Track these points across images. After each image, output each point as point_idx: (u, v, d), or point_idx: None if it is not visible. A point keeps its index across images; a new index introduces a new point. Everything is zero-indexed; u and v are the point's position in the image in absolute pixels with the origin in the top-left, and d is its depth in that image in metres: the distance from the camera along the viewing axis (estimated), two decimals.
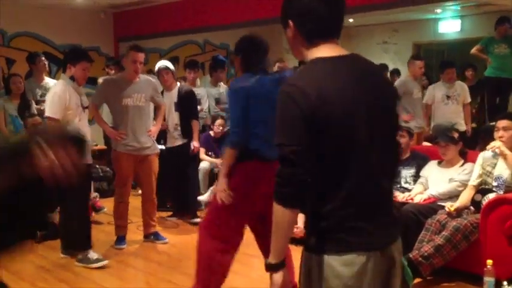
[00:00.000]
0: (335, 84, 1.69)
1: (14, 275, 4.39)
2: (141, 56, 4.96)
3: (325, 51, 1.79)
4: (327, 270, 1.71)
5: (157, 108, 5.37)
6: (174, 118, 5.83)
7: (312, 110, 1.63)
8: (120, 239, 5.13)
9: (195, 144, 5.92)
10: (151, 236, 5.27)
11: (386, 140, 1.79)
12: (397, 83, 6.99)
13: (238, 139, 3.31)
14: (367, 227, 1.72)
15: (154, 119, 5.42)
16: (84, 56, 4.77)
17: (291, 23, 1.82)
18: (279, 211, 1.71)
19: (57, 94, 4.52)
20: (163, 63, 6.09)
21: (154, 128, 5.17)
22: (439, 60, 7.04)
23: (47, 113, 4.55)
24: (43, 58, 6.54)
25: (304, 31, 1.80)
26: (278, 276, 1.79)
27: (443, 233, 3.96)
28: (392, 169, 1.90)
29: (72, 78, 4.61)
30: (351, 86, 1.71)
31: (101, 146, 8.20)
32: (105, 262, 4.58)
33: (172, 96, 5.86)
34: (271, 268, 1.79)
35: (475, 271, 3.95)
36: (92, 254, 4.63)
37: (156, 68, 6.03)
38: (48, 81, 6.51)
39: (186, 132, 5.82)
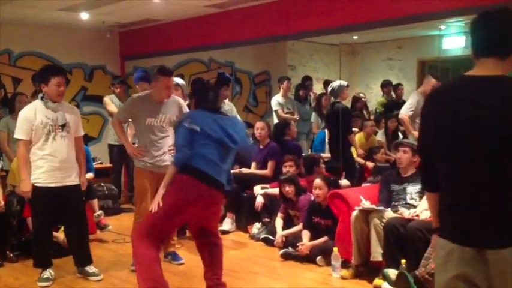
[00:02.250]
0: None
1: None
2: (172, 80, 4.98)
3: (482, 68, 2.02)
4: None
5: None
6: None
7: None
8: (174, 255, 5.25)
9: None
10: (169, 256, 5.21)
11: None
12: (409, 100, 6.91)
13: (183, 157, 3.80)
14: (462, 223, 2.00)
15: None
16: (53, 71, 4.68)
17: None
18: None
19: (22, 115, 4.58)
20: (177, 80, 6.12)
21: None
22: (444, 77, 7.03)
23: (15, 136, 4.62)
24: None
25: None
26: (434, 238, 2.25)
27: None
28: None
29: (44, 97, 4.59)
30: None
31: (106, 164, 8.23)
32: (49, 283, 4.58)
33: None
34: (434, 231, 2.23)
35: None
36: (45, 273, 4.63)
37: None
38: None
39: None
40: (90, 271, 4.77)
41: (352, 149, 7.54)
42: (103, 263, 5.28)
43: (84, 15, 7.73)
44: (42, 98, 4.60)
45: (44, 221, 4.68)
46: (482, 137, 1.90)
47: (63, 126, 4.61)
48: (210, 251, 4.05)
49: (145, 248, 3.65)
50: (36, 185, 4.57)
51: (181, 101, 5.24)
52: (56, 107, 4.60)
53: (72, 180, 4.67)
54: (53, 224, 4.83)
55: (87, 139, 8.69)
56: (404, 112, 6.76)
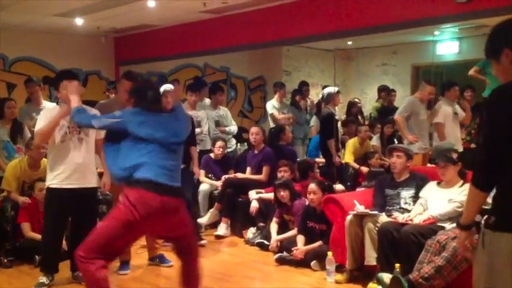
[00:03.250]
0: None
1: None
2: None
3: None
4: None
5: None
6: None
7: None
8: (124, 264, 5.03)
9: (195, 169, 5.92)
10: (156, 259, 5.21)
11: None
12: (404, 102, 6.94)
13: None
14: None
15: None
16: (65, 75, 4.57)
17: (507, 50, 2.21)
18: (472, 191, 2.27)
19: (43, 113, 4.63)
20: (169, 86, 6.11)
21: None
22: (438, 82, 7.07)
23: (36, 128, 4.57)
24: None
25: None
26: (464, 235, 2.42)
27: (444, 253, 3.94)
28: None
29: (59, 101, 4.63)
30: None
31: (100, 169, 8.20)
32: None
33: None
34: (464, 227, 2.41)
35: None
36: (42, 278, 4.59)
37: (162, 90, 5.99)
38: (46, 104, 6.53)
39: (184, 157, 5.79)
40: None
41: (346, 155, 7.57)
42: None
43: (79, 21, 7.75)
44: (57, 103, 4.62)
45: (56, 224, 4.59)
46: None
47: (80, 127, 4.57)
48: (185, 270, 3.64)
49: (96, 268, 3.26)
50: (51, 186, 4.52)
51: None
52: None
53: (89, 182, 4.60)
54: (63, 227, 4.69)
55: None
56: (399, 114, 6.76)
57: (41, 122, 4.48)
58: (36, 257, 5.07)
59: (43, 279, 4.58)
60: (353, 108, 9.29)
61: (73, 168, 4.49)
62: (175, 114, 3.72)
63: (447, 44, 10.43)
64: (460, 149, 6.43)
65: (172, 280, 4.73)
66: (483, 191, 2.25)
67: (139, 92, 3.68)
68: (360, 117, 9.38)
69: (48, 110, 4.63)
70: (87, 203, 4.63)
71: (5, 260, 5.20)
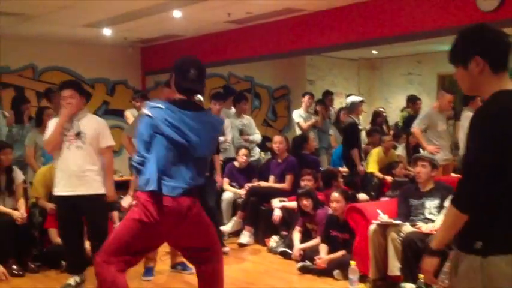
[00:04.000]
0: None
1: None
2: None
3: (507, 83, 2.04)
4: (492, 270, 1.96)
5: None
6: None
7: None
8: (148, 270, 5.10)
9: (218, 178, 5.96)
10: (178, 266, 5.25)
11: None
12: (421, 115, 6.91)
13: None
14: None
15: None
16: (61, 85, 4.77)
17: (478, 58, 2.02)
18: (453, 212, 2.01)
19: (48, 127, 4.71)
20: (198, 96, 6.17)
21: None
22: (453, 94, 6.95)
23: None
24: None
25: (494, 63, 2.03)
26: (434, 262, 2.22)
27: None
28: None
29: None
30: None
31: (126, 177, 8.32)
32: None
33: None
34: (432, 253, 2.22)
35: None
36: (70, 279, 4.72)
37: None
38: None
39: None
40: None
41: (370, 164, 7.54)
42: None
43: (107, 31, 7.90)
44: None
45: (65, 229, 4.77)
46: None
47: (77, 135, 4.59)
48: (207, 278, 3.45)
49: (113, 275, 3.16)
50: (54, 194, 4.71)
51: None
52: (72, 117, 4.62)
53: (88, 190, 4.60)
54: (76, 231, 4.78)
55: None
56: (417, 126, 6.70)
57: (47, 132, 4.63)
58: (63, 262, 5.16)
59: (70, 280, 4.70)
60: (378, 118, 9.25)
61: (70, 174, 4.56)
62: (205, 115, 3.37)
63: None
64: None
65: (194, 287, 4.78)
66: (464, 211, 1.99)
67: (182, 66, 3.31)
68: (384, 127, 9.34)
69: (54, 120, 4.72)
70: (90, 209, 4.64)
71: (32, 266, 5.30)
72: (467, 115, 6.83)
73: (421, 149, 7.79)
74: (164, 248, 5.40)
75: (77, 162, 4.57)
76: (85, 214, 4.69)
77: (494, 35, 2.06)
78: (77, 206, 4.61)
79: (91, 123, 4.71)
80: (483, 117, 1.98)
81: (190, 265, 5.09)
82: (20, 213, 5.22)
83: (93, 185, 4.65)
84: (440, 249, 2.17)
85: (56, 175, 4.66)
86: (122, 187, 7.66)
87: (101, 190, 4.70)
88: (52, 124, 4.65)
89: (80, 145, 4.59)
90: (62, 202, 4.67)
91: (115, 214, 6.37)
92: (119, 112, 8.85)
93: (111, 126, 9.11)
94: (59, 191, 4.63)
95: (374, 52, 10.83)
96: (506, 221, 1.97)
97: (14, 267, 5.18)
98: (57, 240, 5.39)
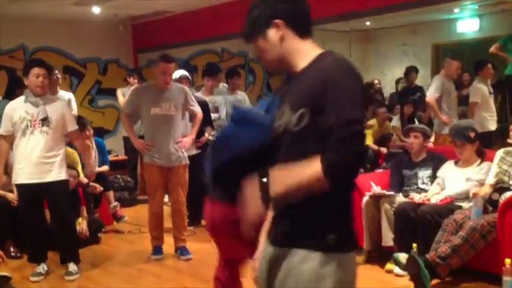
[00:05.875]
0: None
1: (37, 284, 4.49)
2: (171, 67, 4.88)
3: (315, 47, 1.77)
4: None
5: (192, 117, 5.26)
6: (188, 128, 5.66)
7: None
8: (157, 249, 5.07)
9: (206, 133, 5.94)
10: (177, 250, 5.10)
11: None
12: (434, 83, 6.73)
13: None
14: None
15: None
16: (33, 63, 4.61)
17: (278, 22, 1.72)
18: (320, 182, 1.58)
19: (4, 111, 4.56)
20: (183, 72, 6.16)
21: (187, 139, 5.04)
22: (459, 60, 6.91)
23: None
24: (56, 72, 6.52)
25: (297, 26, 1.75)
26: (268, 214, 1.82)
27: (460, 233, 3.92)
28: None
29: (26, 92, 4.53)
30: None
31: (122, 156, 8.33)
32: (40, 278, 4.55)
33: None
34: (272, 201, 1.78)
35: (493, 271, 3.89)
36: (38, 268, 4.62)
37: (177, 76, 6.02)
38: (62, 94, 6.59)
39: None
40: (69, 269, 4.63)
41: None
42: (119, 253, 5.39)
43: (96, 9, 7.81)
44: (25, 93, 4.55)
45: (28, 218, 4.62)
46: None
47: (43, 120, 4.43)
48: None
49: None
50: (16, 182, 4.54)
51: (186, 88, 5.21)
52: (37, 101, 4.45)
53: (54, 176, 4.48)
54: (39, 219, 4.66)
55: (103, 132, 8.83)
56: (431, 95, 6.59)
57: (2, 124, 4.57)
58: None
59: (39, 268, 4.62)
60: (369, 90, 9.20)
61: (35, 161, 4.41)
62: None
63: (467, 22, 10.24)
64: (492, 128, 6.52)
65: (186, 263, 4.81)
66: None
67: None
68: (379, 99, 9.29)
69: (3, 112, 4.59)
70: (56, 195, 4.53)
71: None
72: (476, 86, 6.80)
73: (415, 120, 7.79)
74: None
75: (44, 148, 4.43)
76: (51, 200, 4.59)
77: None
78: (43, 193, 4.51)
79: (56, 106, 4.56)
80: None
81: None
82: (14, 195, 5.18)
83: (61, 170, 4.54)
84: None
85: (17, 162, 4.47)
86: (117, 166, 7.72)
87: (65, 176, 4.61)
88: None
89: (45, 130, 4.44)
90: (27, 190, 4.49)
91: (110, 194, 6.41)
92: (112, 91, 8.81)
93: (105, 106, 9.23)
94: (25, 179, 4.46)
95: (368, 23, 10.72)
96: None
97: (12, 249, 5.19)
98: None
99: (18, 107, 4.49)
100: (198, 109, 5.18)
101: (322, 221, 1.68)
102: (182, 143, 4.97)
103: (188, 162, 5.07)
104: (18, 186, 4.58)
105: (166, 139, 4.85)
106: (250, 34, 1.79)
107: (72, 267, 4.64)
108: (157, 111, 4.82)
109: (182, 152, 4.97)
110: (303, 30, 1.76)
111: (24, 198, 4.59)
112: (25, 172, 4.45)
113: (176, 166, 4.94)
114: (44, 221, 4.74)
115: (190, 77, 6.55)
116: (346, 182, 1.67)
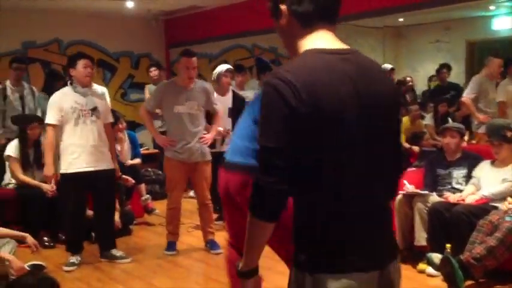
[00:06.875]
0: (326, 81, 1.47)
1: (70, 274, 4.58)
2: (194, 62, 4.87)
3: (320, 41, 1.57)
4: None
5: (213, 115, 5.25)
6: (226, 124, 5.68)
7: (301, 109, 1.42)
8: (170, 245, 5.11)
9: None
10: (207, 244, 5.13)
11: (382, 145, 1.56)
12: (472, 83, 6.59)
13: None
14: (363, 243, 1.53)
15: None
16: (80, 55, 4.73)
17: (283, 8, 1.60)
18: (255, 224, 1.50)
19: (51, 101, 4.65)
20: (228, 65, 6.08)
21: (209, 136, 5.06)
22: (501, 58, 6.72)
23: (46, 121, 4.68)
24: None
25: (299, 12, 1.57)
26: (248, 284, 1.65)
27: (496, 234, 3.86)
28: (388, 178, 1.62)
29: (73, 82, 4.63)
30: (343, 84, 1.49)
31: (153, 150, 8.40)
32: (73, 268, 4.63)
33: (227, 101, 5.80)
34: (242, 275, 1.63)
35: None
36: (71, 258, 4.71)
37: (224, 69, 5.87)
38: (96, 87, 6.65)
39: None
40: (118, 254, 4.83)
41: None
42: (150, 245, 5.44)
43: (130, 4, 7.89)
44: (71, 84, 4.65)
45: (76, 208, 4.70)
46: None
47: (93, 110, 4.60)
48: None
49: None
50: (68, 171, 4.60)
51: (209, 86, 5.16)
52: (85, 92, 4.60)
53: (105, 164, 4.67)
54: (84, 210, 4.82)
55: (135, 125, 8.92)
56: (467, 94, 6.48)
57: (48, 115, 4.61)
58: (92, 234, 5.25)
59: (73, 259, 4.72)
60: (402, 87, 9.09)
61: (89, 150, 4.55)
62: None
63: (503, 19, 10.04)
64: None
65: (216, 255, 4.83)
66: None
67: None
68: (407, 96, 9.15)
69: (50, 102, 4.67)
70: (105, 184, 4.67)
71: (63, 237, 5.39)
72: (502, 85, 6.62)
73: (449, 119, 7.66)
74: (194, 221, 5.51)
75: (96, 137, 4.60)
76: (99, 188, 4.68)
77: None
78: (93, 181, 4.60)
79: (101, 97, 4.78)
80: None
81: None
82: (49, 185, 5.27)
83: (109, 159, 4.74)
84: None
85: (70, 151, 4.56)
86: (148, 160, 7.78)
87: (114, 165, 4.81)
88: None
89: (94, 119, 4.61)
90: (79, 179, 4.57)
91: (142, 186, 6.46)
92: (143, 85, 8.89)
93: (136, 100, 9.32)
94: (78, 168, 4.55)
95: (401, 19, 10.59)
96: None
97: (45, 238, 5.30)
98: (89, 212, 5.49)
99: (67, 97, 4.58)
100: (218, 108, 5.21)
101: (296, 240, 1.57)
102: (204, 139, 4.99)
103: (211, 158, 5.08)
104: (70, 175, 4.60)
105: (190, 136, 4.88)
106: (272, 12, 1.68)
107: (118, 252, 4.81)
108: (180, 109, 4.85)
109: (205, 149, 5.00)
110: (305, 17, 1.58)
111: (74, 188, 4.63)
112: (81, 161, 4.56)
113: (200, 162, 4.98)
114: (86, 211, 4.88)
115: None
116: (268, 210, 1.49)
